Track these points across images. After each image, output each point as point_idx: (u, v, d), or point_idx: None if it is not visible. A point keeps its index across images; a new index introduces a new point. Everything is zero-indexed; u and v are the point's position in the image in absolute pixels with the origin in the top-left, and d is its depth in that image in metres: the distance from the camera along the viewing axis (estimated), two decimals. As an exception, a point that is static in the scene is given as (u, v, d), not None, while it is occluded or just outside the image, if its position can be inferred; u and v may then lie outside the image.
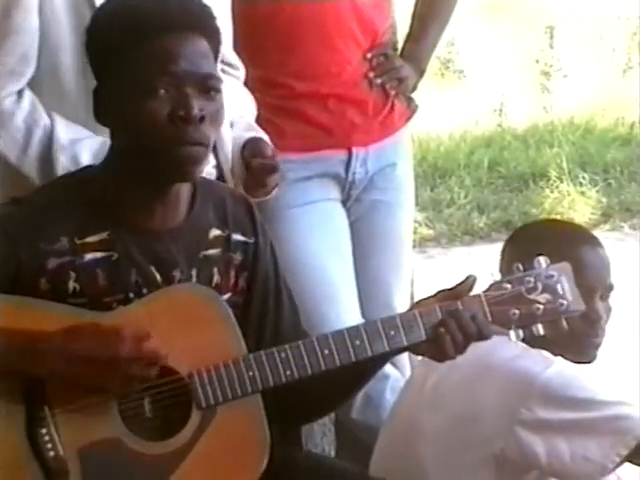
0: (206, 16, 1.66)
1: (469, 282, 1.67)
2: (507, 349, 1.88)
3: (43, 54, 1.91)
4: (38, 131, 1.91)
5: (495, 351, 1.87)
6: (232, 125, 2.08)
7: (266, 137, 2.12)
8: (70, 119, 1.91)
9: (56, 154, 1.90)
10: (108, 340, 1.55)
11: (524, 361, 1.89)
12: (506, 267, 1.94)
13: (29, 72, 1.91)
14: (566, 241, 1.95)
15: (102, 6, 1.71)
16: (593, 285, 1.92)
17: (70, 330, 1.56)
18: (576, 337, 1.88)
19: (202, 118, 1.61)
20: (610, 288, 1.99)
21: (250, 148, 2.02)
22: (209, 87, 1.63)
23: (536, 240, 1.95)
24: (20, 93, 1.92)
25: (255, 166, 1.98)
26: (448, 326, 1.64)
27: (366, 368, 1.71)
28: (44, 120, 1.92)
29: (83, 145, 1.89)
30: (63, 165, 1.89)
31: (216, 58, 1.67)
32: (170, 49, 1.61)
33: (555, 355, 1.91)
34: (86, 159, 1.88)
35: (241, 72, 2.16)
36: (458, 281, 1.69)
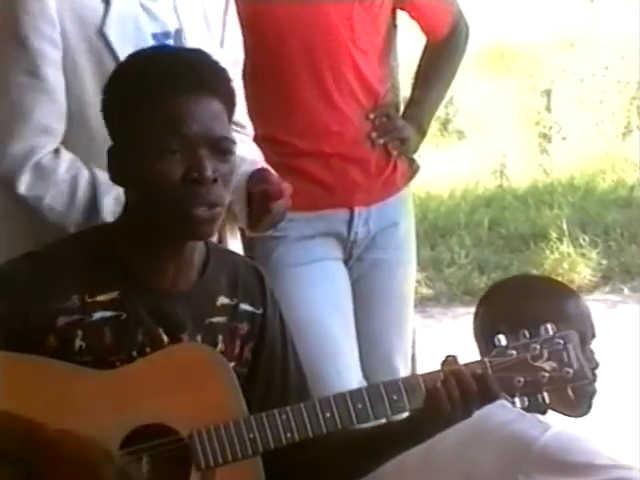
0: (219, 77, 1.67)
1: (449, 362, 1.65)
2: (504, 413, 1.86)
3: (70, 110, 1.92)
4: (82, 179, 1.91)
5: (491, 414, 1.85)
6: (241, 161, 2.06)
7: (271, 169, 2.10)
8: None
9: (101, 198, 1.90)
10: (97, 456, 1.53)
11: (521, 425, 1.86)
12: (483, 331, 1.92)
13: (62, 129, 1.93)
14: (545, 298, 1.93)
15: (119, 65, 1.73)
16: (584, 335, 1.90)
17: (64, 432, 1.54)
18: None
19: (215, 180, 1.61)
20: (592, 337, 1.97)
21: (255, 178, 2.00)
22: (222, 149, 1.63)
23: (515, 300, 1.93)
24: (57, 150, 1.93)
25: (259, 192, 1.97)
26: (447, 383, 1.62)
27: (384, 443, 1.68)
28: (85, 169, 1.92)
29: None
30: (108, 207, 1.89)
31: (230, 119, 1.68)
32: (181, 110, 1.61)
33: (552, 409, 1.89)
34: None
35: (249, 131, 2.17)
36: (458, 342, 1.68)
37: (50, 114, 1.90)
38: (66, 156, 1.93)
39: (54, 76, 1.90)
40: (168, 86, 1.62)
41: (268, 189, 1.95)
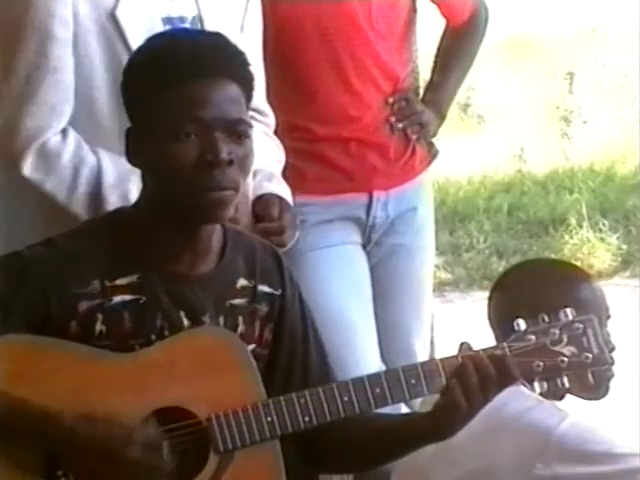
0: (237, 61, 1.67)
1: (463, 350, 1.65)
2: (520, 400, 1.85)
3: (78, 91, 1.92)
4: (85, 170, 1.91)
5: (507, 402, 1.84)
6: (255, 173, 2.07)
7: (285, 188, 2.10)
8: None
9: (106, 193, 1.91)
10: (117, 439, 1.54)
11: (538, 414, 1.85)
12: (498, 316, 1.92)
13: (70, 109, 1.92)
14: (562, 282, 1.93)
15: (138, 49, 1.72)
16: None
17: (82, 417, 1.55)
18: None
19: (231, 162, 1.61)
20: (609, 316, 1.96)
21: (259, 207, 2.01)
22: (238, 132, 1.63)
23: (531, 285, 1.92)
24: (64, 132, 1.93)
25: (260, 228, 1.98)
26: (465, 370, 1.61)
27: (404, 434, 1.68)
28: (90, 158, 1.92)
29: (132, 182, 1.88)
30: (114, 203, 1.89)
31: (248, 103, 1.68)
32: (200, 94, 1.61)
33: (569, 393, 1.88)
34: (134, 195, 1.86)
35: (271, 119, 2.17)
36: (476, 326, 1.67)
37: (58, 94, 1.90)
38: (72, 140, 1.92)
39: (63, 56, 1.89)
40: (187, 70, 1.62)
41: (268, 227, 1.96)
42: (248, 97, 1.67)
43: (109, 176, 1.91)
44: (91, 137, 1.93)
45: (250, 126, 1.66)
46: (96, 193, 1.92)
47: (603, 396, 1.96)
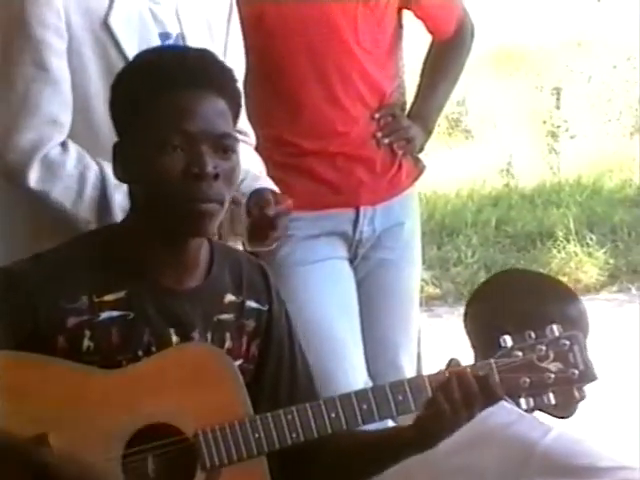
0: (226, 76, 1.67)
1: (452, 365, 1.65)
2: (503, 414, 1.85)
3: (75, 101, 1.92)
4: (91, 175, 1.91)
5: (490, 416, 1.83)
6: (242, 179, 2.07)
7: (273, 185, 2.11)
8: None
9: (112, 193, 1.90)
10: None
11: (522, 427, 1.85)
12: (480, 328, 1.91)
13: (69, 121, 1.92)
14: (551, 298, 1.93)
15: (128, 62, 1.74)
16: None
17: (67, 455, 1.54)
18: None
19: (216, 176, 1.62)
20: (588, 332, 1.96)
21: (255, 198, 2.02)
22: (224, 146, 1.64)
23: (511, 297, 1.92)
24: (63, 143, 1.93)
25: (257, 216, 1.98)
26: (449, 385, 1.62)
27: (388, 447, 1.69)
28: (93, 164, 1.92)
29: None
30: (119, 203, 1.89)
31: (235, 119, 1.68)
32: (187, 107, 1.62)
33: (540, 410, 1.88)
34: None
35: (252, 138, 2.17)
36: (464, 341, 1.68)
37: (56, 105, 1.90)
38: (74, 150, 1.93)
39: (59, 67, 1.90)
40: (174, 82, 1.62)
41: (266, 217, 1.96)
42: (235, 113, 1.68)
43: (111, 177, 1.91)
44: (89, 146, 1.93)
45: (236, 140, 1.66)
46: (102, 195, 1.91)
47: (571, 415, 1.96)
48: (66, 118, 1.91)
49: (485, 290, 2.04)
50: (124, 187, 1.87)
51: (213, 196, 1.62)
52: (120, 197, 1.90)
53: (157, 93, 1.62)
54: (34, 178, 1.90)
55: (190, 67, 1.64)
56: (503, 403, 1.68)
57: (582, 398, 1.91)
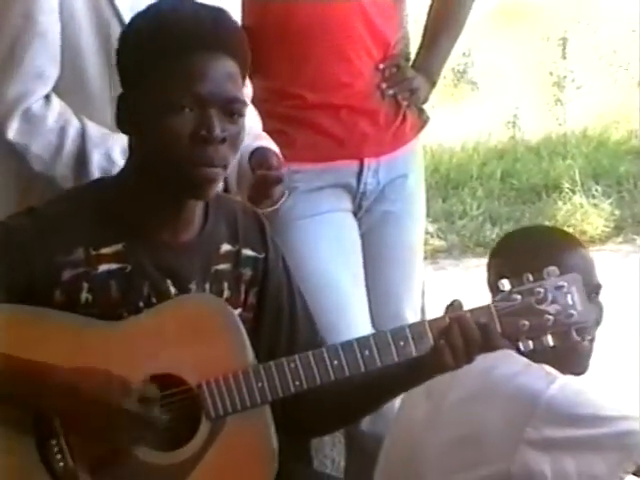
0: (238, 38, 1.66)
1: (455, 307, 1.66)
2: (509, 365, 1.86)
3: (65, 57, 1.91)
4: (71, 130, 1.91)
5: (496, 367, 1.85)
6: None
7: (274, 146, 2.12)
8: (96, 122, 1.91)
9: (90, 151, 1.90)
10: (114, 390, 1.55)
11: (527, 377, 1.86)
12: (494, 283, 1.93)
13: (55, 75, 1.91)
14: (551, 247, 1.94)
15: (138, 14, 1.70)
16: None
17: (79, 370, 1.55)
18: (570, 350, 1.86)
19: (223, 140, 1.61)
20: (598, 287, 1.97)
21: (256, 158, 2.01)
22: (233, 110, 1.63)
23: (522, 250, 1.93)
24: (47, 97, 1.92)
25: (260, 176, 1.98)
26: (451, 331, 1.63)
27: (386, 386, 1.71)
28: (75, 120, 1.91)
29: (114, 141, 1.88)
30: (97, 161, 1.89)
31: (244, 81, 1.67)
32: (199, 69, 1.61)
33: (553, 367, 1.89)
34: (118, 155, 1.88)
35: (248, 91, 2.17)
36: (469, 293, 1.68)
37: (44, 58, 1.89)
38: (56, 105, 1.92)
39: (49, 20, 1.88)
40: (188, 43, 1.61)
41: (267, 175, 1.96)
42: (244, 74, 1.67)
43: (93, 136, 1.90)
44: (78, 102, 1.92)
45: (245, 105, 1.66)
46: (81, 153, 1.91)
47: (584, 372, 1.97)
48: (53, 72, 1.91)
49: (498, 245, 2.06)
50: (103, 147, 1.87)
51: (218, 161, 1.62)
52: (98, 157, 1.89)
53: (170, 53, 1.61)
54: (14, 130, 1.89)
55: (205, 28, 1.62)
56: (509, 352, 1.69)
57: (590, 349, 1.93)
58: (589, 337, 1.90)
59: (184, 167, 1.61)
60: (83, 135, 1.90)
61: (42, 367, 1.55)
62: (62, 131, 1.90)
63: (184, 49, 1.60)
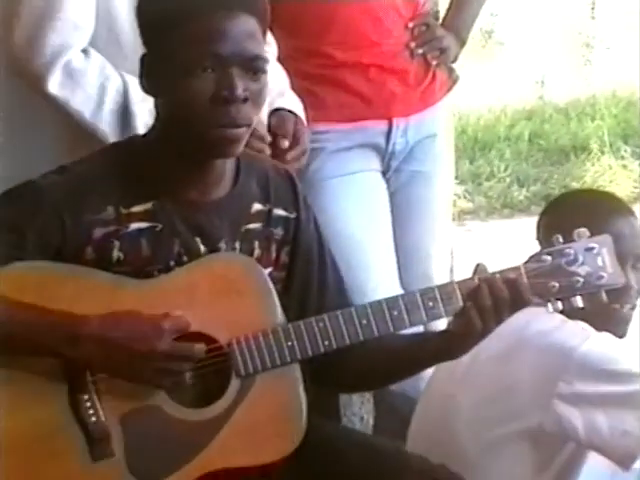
0: None
1: (479, 271, 1.65)
2: (544, 321, 1.87)
3: (98, 9, 1.90)
4: (112, 86, 1.91)
5: (531, 323, 1.86)
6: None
7: (299, 104, 2.10)
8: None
9: (133, 107, 1.90)
10: (146, 333, 1.56)
11: (561, 333, 1.88)
12: (543, 240, 1.93)
13: (91, 28, 1.91)
14: (598, 211, 1.93)
15: None
16: (624, 254, 1.89)
17: (109, 317, 1.57)
18: (606, 308, 1.86)
19: (245, 99, 1.61)
20: None
21: (274, 120, 2.00)
22: (255, 68, 1.63)
23: (569, 211, 1.94)
24: (86, 51, 1.92)
25: (274, 140, 1.97)
26: (479, 292, 1.63)
27: (416, 355, 1.71)
28: (115, 76, 1.91)
29: None
30: (142, 117, 1.89)
31: (264, 37, 1.67)
32: (219, 28, 1.60)
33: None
34: None
35: (273, 48, 2.16)
36: (496, 255, 1.68)
37: (80, 10, 1.89)
38: (97, 60, 1.92)
39: None
40: (206, 3, 1.60)
41: (280, 141, 1.94)
42: (264, 31, 1.66)
43: (135, 91, 1.89)
44: (113, 58, 1.92)
45: (266, 62, 1.65)
46: (124, 109, 1.91)
47: (624, 335, 1.97)
48: (89, 24, 1.91)
49: (548, 206, 2.07)
50: (148, 103, 1.87)
51: (240, 120, 1.62)
52: (143, 113, 1.89)
53: (190, 14, 1.60)
54: (55, 84, 1.89)
55: None
56: (544, 310, 1.69)
57: (629, 316, 1.93)
58: (629, 305, 1.91)
59: (207, 129, 1.61)
60: (125, 92, 1.90)
61: (73, 317, 1.56)
62: (102, 87, 1.91)
63: (204, 9, 1.60)
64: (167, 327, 1.57)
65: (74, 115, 1.92)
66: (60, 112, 1.94)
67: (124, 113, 1.91)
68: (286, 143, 1.96)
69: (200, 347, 1.59)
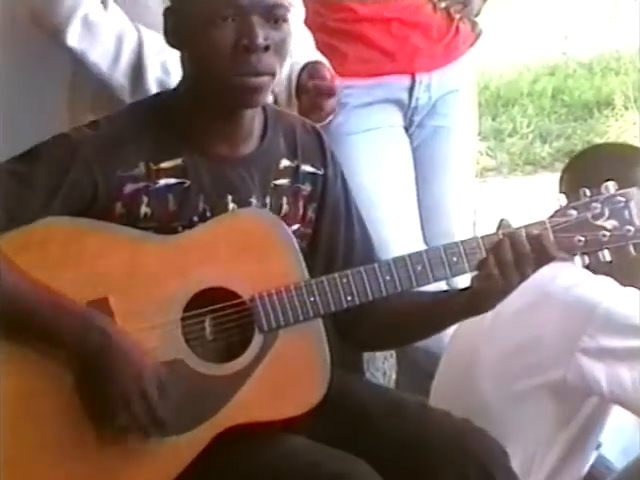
0: None
1: (503, 227, 1.65)
2: (569, 276, 1.86)
3: None
4: (128, 40, 1.92)
5: (556, 278, 1.86)
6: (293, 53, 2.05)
7: (325, 61, 2.09)
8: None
9: (146, 61, 1.91)
10: (134, 369, 1.55)
11: (586, 288, 1.87)
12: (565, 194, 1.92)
13: None
14: (623, 163, 1.92)
15: None
16: None
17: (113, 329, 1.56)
18: (632, 263, 1.85)
19: (267, 47, 1.61)
20: None
21: (308, 70, 2.00)
22: (276, 16, 1.62)
23: (594, 165, 1.92)
24: (105, 4, 1.93)
25: (312, 88, 1.96)
26: (501, 247, 1.62)
27: (439, 312, 1.71)
28: (132, 29, 1.92)
29: (170, 53, 1.86)
30: (153, 71, 1.90)
31: None
32: None
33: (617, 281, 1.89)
34: (173, 66, 1.87)
35: (299, 10, 2.14)
36: (518, 211, 1.67)
37: None
38: (114, 12, 1.92)
39: None
40: None
41: (320, 85, 1.93)
42: None
43: (150, 45, 1.90)
44: (136, 14, 1.92)
45: (287, 9, 1.64)
46: (138, 63, 1.92)
47: None
48: None
49: (570, 160, 2.05)
50: (161, 56, 1.86)
51: (262, 69, 1.61)
52: (154, 67, 1.90)
53: None
54: (74, 36, 1.91)
55: None
56: (569, 264, 1.68)
57: None
58: None
59: (229, 78, 1.61)
60: (140, 44, 1.91)
61: (89, 310, 1.57)
62: (120, 39, 1.91)
63: None
64: (152, 369, 1.57)
65: (92, 68, 1.93)
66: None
67: (138, 66, 1.91)
68: (326, 84, 1.94)
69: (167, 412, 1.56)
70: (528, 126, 5.64)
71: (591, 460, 2.04)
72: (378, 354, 2.55)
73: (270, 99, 1.99)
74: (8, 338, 1.55)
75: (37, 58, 2.07)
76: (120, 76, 1.92)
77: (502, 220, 1.66)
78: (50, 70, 2.07)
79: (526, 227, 1.65)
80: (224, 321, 1.63)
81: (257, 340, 1.64)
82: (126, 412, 1.55)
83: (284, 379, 1.64)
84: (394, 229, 2.35)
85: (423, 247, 2.37)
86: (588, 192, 1.66)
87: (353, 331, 1.76)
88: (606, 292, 1.86)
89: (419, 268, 1.64)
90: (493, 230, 1.68)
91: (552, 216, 1.66)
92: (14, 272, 1.55)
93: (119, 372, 1.55)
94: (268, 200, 1.71)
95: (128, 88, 1.91)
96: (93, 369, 1.55)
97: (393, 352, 2.55)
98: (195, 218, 1.66)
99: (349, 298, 1.64)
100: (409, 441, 1.64)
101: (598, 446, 2.04)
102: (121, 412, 1.55)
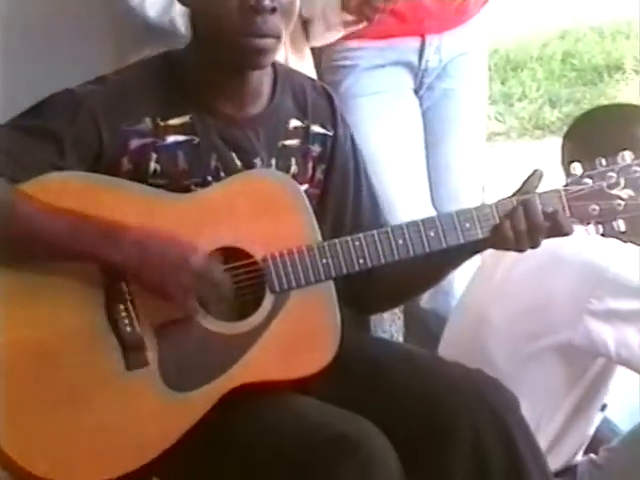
0: None
1: (536, 176, 1.65)
2: (578, 240, 1.87)
3: None
4: None
5: (567, 241, 1.86)
6: None
7: None
8: None
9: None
10: (183, 249, 1.56)
11: (595, 251, 1.87)
12: (567, 162, 1.91)
13: None
14: (625, 123, 1.91)
15: None
16: None
17: (149, 227, 1.57)
18: None
19: (274, 9, 1.61)
20: None
21: None
22: None
23: (596, 128, 1.91)
24: None
25: None
26: (515, 215, 1.63)
27: (446, 263, 1.72)
28: None
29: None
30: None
31: None
32: None
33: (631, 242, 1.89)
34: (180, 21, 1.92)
35: None
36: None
37: None
38: None
39: None
40: None
41: None
42: None
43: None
44: None
45: None
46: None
47: None
48: None
49: (570, 127, 2.04)
50: (171, 13, 1.92)
51: (268, 31, 1.62)
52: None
53: None
54: None
55: None
56: (580, 229, 1.68)
57: None
58: None
59: (235, 38, 1.62)
60: None
61: (114, 222, 1.58)
62: None
63: None
64: (203, 251, 1.57)
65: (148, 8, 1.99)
66: None
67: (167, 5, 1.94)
68: None
69: (230, 284, 1.58)
70: (537, 90, 5.60)
71: (597, 422, 2.06)
72: (386, 317, 2.56)
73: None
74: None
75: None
76: (149, 6, 1.97)
77: (536, 170, 1.65)
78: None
79: (540, 195, 1.65)
80: (236, 281, 1.64)
81: (268, 300, 1.65)
82: (190, 298, 1.57)
83: (295, 339, 1.65)
84: (403, 191, 2.35)
85: (431, 209, 2.39)
86: (604, 161, 1.65)
87: (356, 296, 1.76)
88: (615, 255, 1.86)
89: (432, 233, 1.64)
90: (502, 195, 1.68)
91: (567, 184, 1.66)
92: (46, 207, 1.55)
93: (168, 269, 1.55)
94: (274, 161, 1.71)
95: (157, 19, 1.97)
96: (147, 275, 1.56)
97: (400, 314, 2.56)
98: (209, 177, 1.67)
99: (361, 261, 1.64)
100: (422, 392, 1.63)
101: (604, 407, 2.06)
102: (184, 300, 1.57)
